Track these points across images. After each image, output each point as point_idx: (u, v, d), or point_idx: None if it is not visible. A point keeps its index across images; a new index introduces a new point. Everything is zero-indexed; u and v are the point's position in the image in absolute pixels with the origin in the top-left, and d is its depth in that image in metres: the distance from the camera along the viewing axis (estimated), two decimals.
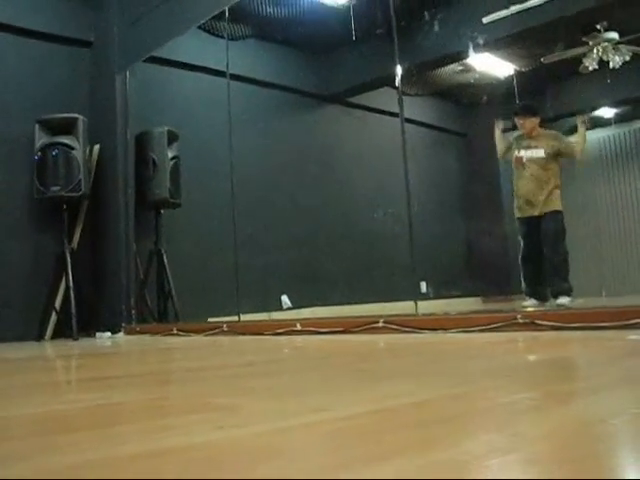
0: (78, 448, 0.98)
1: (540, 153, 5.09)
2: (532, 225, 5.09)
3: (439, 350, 2.59)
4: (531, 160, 5.10)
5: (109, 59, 6.11)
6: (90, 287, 5.77)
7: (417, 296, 4.23)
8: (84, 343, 4.88)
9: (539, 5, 5.99)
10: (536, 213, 5.05)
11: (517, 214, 5.22)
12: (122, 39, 6.07)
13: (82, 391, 1.89)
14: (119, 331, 5.59)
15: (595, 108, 8.61)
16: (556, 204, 5.05)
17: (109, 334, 5.55)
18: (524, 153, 5.14)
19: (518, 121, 5.22)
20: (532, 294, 5.10)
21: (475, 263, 8.72)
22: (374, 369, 2.05)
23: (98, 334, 5.57)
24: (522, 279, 5.22)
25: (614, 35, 6.66)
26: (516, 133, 5.37)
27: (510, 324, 3.09)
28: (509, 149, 5.33)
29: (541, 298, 5.05)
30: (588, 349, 2.28)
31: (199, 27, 6.02)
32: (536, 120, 5.18)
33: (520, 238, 5.23)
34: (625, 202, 8.19)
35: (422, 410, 1.17)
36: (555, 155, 5.12)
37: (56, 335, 5.52)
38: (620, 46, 6.69)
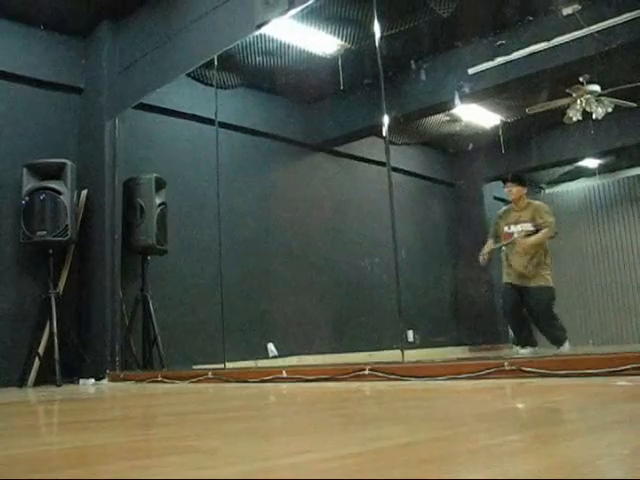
0: None
1: (528, 227, 5.32)
2: (519, 290, 5.34)
3: (425, 397, 2.57)
4: (521, 235, 5.32)
5: (99, 105, 6.15)
6: (74, 333, 5.70)
7: (404, 344, 4.20)
8: (67, 389, 4.81)
9: (523, 57, 6.11)
10: (527, 284, 5.29)
11: (506, 280, 5.44)
12: (112, 86, 6.12)
13: (63, 434, 1.85)
14: (103, 378, 5.51)
15: (579, 159, 8.74)
16: (547, 279, 5.29)
17: (93, 381, 5.47)
18: (514, 229, 5.37)
19: (507, 188, 5.46)
20: (525, 342, 5.25)
21: (462, 312, 8.71)
22: (361, 413, 2.02)
23: (82, 381, 5.49)
24: (511, 331, 5.46)
25: (596, 87, 6.79)
26: (501, 210, 5.61)
27: (497, 371, 3.07)
28: (497, 228, 5.52)
29: (534, 344, 5.23)
30: (576, 395, 2.26)
31: (188, 75, 6.08)
32: (523, 189, 5.43)
33: (501, 296, 5.51)
34: (610, 251, 8.25)
35: (407, 452, 1.15)
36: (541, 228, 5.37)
37: (39, 381, 5.43)
38: (602, 98, 6.81)
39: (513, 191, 5.40)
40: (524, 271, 5.28)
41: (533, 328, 5.41)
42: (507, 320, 5.60)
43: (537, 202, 5.53)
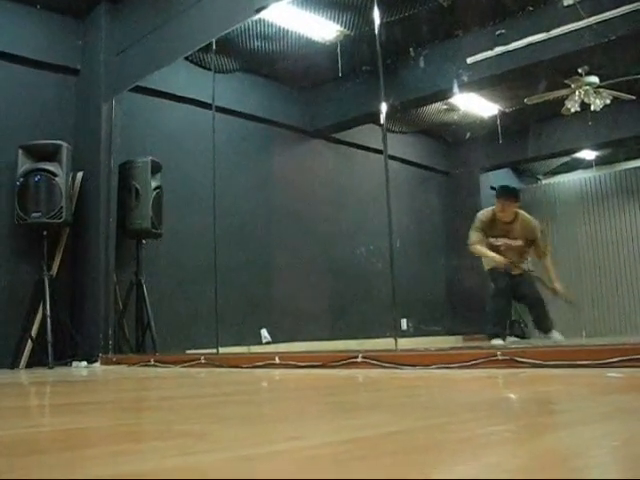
0: (43, 470, 0.94)
1: (518, 243, 5.24)
2: (507, 276, 5.25)
3: (418, 385, 2.57)
4: (509, 247, 5.23)
5: (95, 87, 6.11)
6: (68, 315, 5.69)
7: (397, 333, 4.20)
8: (59, 371, 4.81)
9: (522, 47, 6.08)
10: (516, 271, 5.25)
11: (491, 265, 5.33)
12: (109, 68, 6.08)
13: (52, 416, 1.85)
14: (96, 361, 5.51)
15: (576, 150, 8.73)
16: (530, 266, 5.32)
17: (85, 363, 5.47)
18: (502, 241, 5.23)
19: (499, 204, 5.25)
20: (500, 333, 5.16)
21: (456, 301, 8.72)
22: (351, 401, 2.02)
23: (74, 363, 5.49)
24: (492, 317, 5.29)
25: (595, 79, 6.78)
26: (485, 216, 5.36)
27: (490, 361, 3.07)
28: (482, 235, 5.32)
29: (504, 337, 5.16)
30: (568, 386, 2.26)
31: (186, 58, 6.05)
32: (516, 205, 5.28)
33: (492, 281, 5.41)
34: (605, 243, 8.26)
35: (397, 440, 1.15)
36: (530, 243, 5.30)
37: (31, 363, 5.42)
38: (601, 90, 6.80)
39: (505, 209, 5.20)
40: (513, 260, 5.21)
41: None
42: (497, 302, 5.31)
43: (523, 214, 5.32)
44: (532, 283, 5.26)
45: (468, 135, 8.65)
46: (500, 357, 3.04)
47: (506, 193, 5.35)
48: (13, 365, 5.35)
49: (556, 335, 5.05)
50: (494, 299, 5.36)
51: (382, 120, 4.93)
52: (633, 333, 7.72)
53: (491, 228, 5.23)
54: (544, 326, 5.11)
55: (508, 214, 5.20)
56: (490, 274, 5.36)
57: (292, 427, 1.37)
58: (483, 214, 5.37)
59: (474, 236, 5.31)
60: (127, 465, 0.96)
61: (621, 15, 5.50)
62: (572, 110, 6.95)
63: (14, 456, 1.09)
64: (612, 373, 2.47)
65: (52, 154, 5.54)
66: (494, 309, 5.30)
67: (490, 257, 5.28)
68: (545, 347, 3.31)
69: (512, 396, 2.04)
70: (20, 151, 5.49)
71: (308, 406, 1.87)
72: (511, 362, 2.99)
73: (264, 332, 6.67)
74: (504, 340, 5.07)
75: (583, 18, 5.65)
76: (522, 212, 5.34)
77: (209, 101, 5.91)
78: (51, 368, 5.11)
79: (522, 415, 1.52)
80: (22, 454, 1.11)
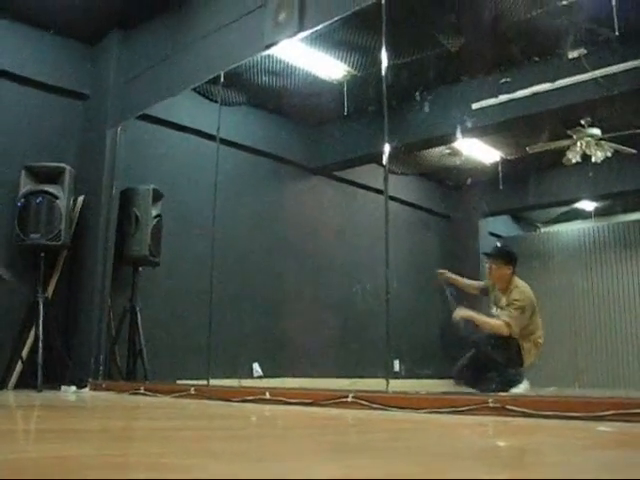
0: None
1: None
2: None
3: (407, 428, 2.55)
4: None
5: (102, 113, 6.17)
6: (60, 339, 5.65)
7: (389, 374, 4.18)
8: (47, 395, 4.77)
9: (527, 96, 6.15)
10: None
11: None
12: (117, 94, 6.14)
13: (38, 442, 1.83)
14: (85, 386, 5.47)
15: (576, 200, 8.78)
16: None
17: (74, 388, 5.43)
18: (498, 312, 4.66)
19: (487, 265, 4.77)
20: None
21: (450, 344, 8.68)
22: (341, 442, 2.01)
23: (63, 387, 5.44)
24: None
25: (597, 131, 6.85)
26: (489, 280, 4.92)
27: (481, 408, 3.05)
28: (487, 291, 4.90)
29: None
30: (558, 438, 2.25)
31: (194, 89, 6.11)
32: (508, 270, 4.65)
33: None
34: (601, 294, 8.26)
35: None
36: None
37: (19, 385, 5.38)
38: (602, 142, 6.87)
39: (493, 271, 4.67)
40: None
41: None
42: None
43: (522, 285, 4.65)
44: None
45: (469, 180, 8.69)
46: (491, 404, 3.03)
47: (495, 253, 4.89)
48: (1, 386, 5.31)
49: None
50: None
51: (385, 161, 4.95)
52: (627, 387, 7.68)
53: (493, 292, 4.80)
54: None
55: (498, 279, 4.71)
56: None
57: (282, 466, 1.36)
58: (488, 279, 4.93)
59: (481, 286, 5.01)
60: None
61: (625, 70, 5.58)
62: (573, 161, 7.01)
63: None
64: (602, 427, 2.46)
65: (55, 176, 5.56)
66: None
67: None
68: (537, 397, 3.30)
69: (501, 445, 2.02)
70: (23, 172, 5.52)
71: (297, 445, 1.86)
72: (502, 410, 2.97)
73: (256, 366, 6.63)
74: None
75: (588, 71, 5.72)
76: (522, 284, 4.68)
77: (213, 132, 5.94)
78: (40, 391, 5.07)
79: (508, 466, 1.51)
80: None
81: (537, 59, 6.15)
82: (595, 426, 2.49)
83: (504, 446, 1.99)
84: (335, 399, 3.59)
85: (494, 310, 4.74)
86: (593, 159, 6.96)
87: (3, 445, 1.68)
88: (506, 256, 4.73)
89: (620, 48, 5.48)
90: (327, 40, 5.81)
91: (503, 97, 6.30)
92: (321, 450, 1.74)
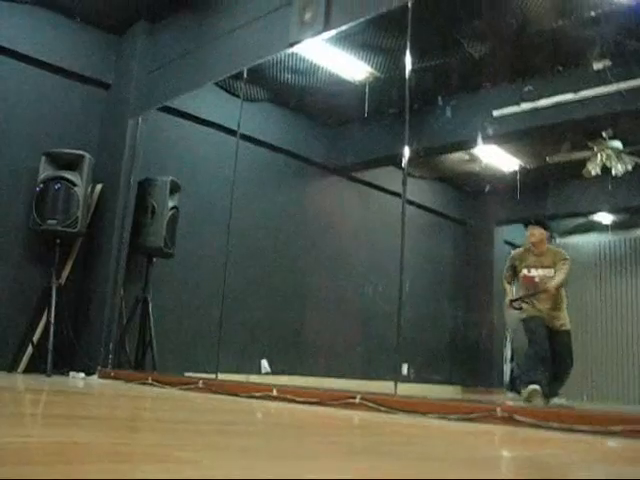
0: None
1: (551, 273, 5.19)
2: (544, 329, 5.05)
3: (412, 434, 2.54)
4: (543, 280, 5.18)
5: (124, 103, 6.19)
6: (71, 325, 5.68)
7: (398, 377, 4.17)
8: (56, 380, 4.79)
9: (549, 106, 6.12)
10: (553, 325, 5.11)
11: (533, 313, 5.13)
12: (140, 85, 6.17)
13: (45, 427, 1.84)
14: (93, 373, 5.50)
15: (594, 213, 8.71)
16: (568, 324, 5.20)
17: (83, 375, 5.45)
18: (535, 273, 5.25)
19: (529, 230, 5.36)
20: (537, 380, 4.75)
21: (459, 351, 8.66)
22: (348, 443, 2.00)
23: (72, 373, 5.47)
24: (531, 362, 5.01)
25: (618, 144, 6.79)
26: (516, 252, 5.49)
27: (488, 416, 3.04)
28: (514, 271, 5.40)
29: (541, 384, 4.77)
30: (564, 450, 2.23)
31: (215, 84, 6.12)
32: (545, 234, 5.38)
33: (528, 334, 5.11)
34: (615, 307, 8.20)
35: None
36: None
37: (29, 369, 5.42)
38: (623, 155, 6.81)
39: (536, 234, 5.29)
40: (550, 312, 5.10)
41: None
42: (536, 348, 4.95)
43: (555, 248, 5.51)
44: (568, 342, 5.14)
45: (487, 187, 8.66)
46: (499, 414, 3.01)
47: (535, 221, 5.47)
48: (11, 368, 5.35)
49: (557, 400, 4.94)
50: (533, 345, 5.07)
51: (404, 164, 4.94)
52: (639, 402, 7.61)
53: (524, 260, 5.32)
54: (554, 389, 4.95)
55: (539, 243, 5.30)
56: (525, 324, 5.17)
57: (288, 465, 1.36)
58: (515, 250, 5.56)
59: (504, 274, 5.48)
60: None
61: None
62: (593, 173, 6.95)
63: (4, 465, 1.08)
64: (611, 442, 2.44)
65: (74, 164, 5.59)
66: (533, 354, 4.95)
67: (510, 295, 5.32)
68: (547, 408, 3.28)
69: (507, 455, 2.01)
70: (43, 158, 5.55)
71: (304, 445, 1.85)
72: (510, 420, 2.95)
73: (264, 363, 6.63)
74: (541, 386, 4.68)
75: (612, 83, 5.68)
76: (554, 247, 5.54)
77: (234, 127, 5.96)
78: (49, 376, 5.10)
79: (515, 477, 1.50)
80: (8, 464, 1.11)
81: (561, 69, 6.11)
82: (603, 441, 2.47)
83: (509, 457, 1.98)
84: (342, 400, 3.58)
85: (533, 271, 5.24)
86: (613, 172, 6.90)
87: (10, 429, 1.68)
88: (544, 222, 5.49)
89: None
90: (351, 41, 5.80)
91: (525, 105, 6.26)
92: (329, 450, 1.73)
